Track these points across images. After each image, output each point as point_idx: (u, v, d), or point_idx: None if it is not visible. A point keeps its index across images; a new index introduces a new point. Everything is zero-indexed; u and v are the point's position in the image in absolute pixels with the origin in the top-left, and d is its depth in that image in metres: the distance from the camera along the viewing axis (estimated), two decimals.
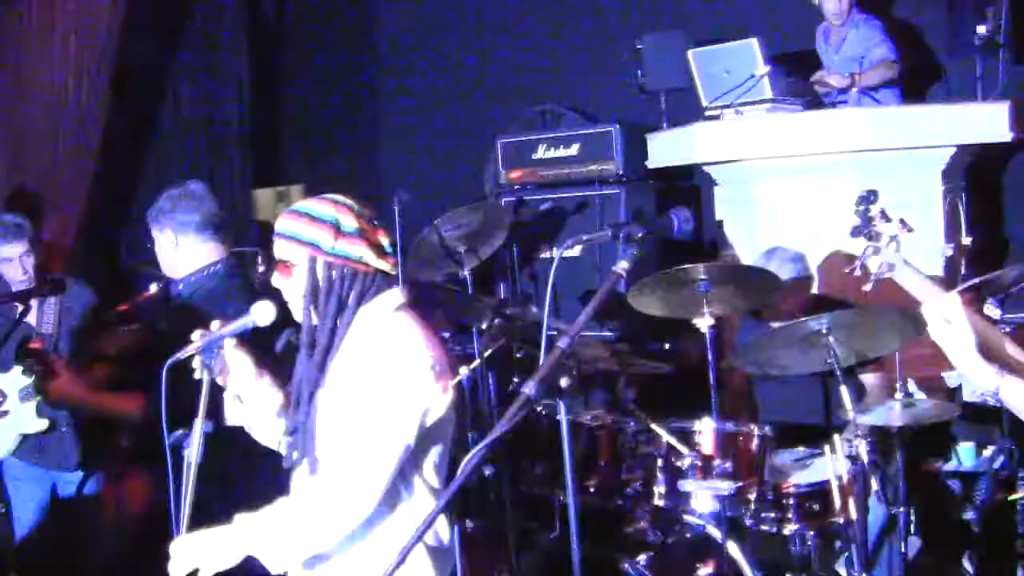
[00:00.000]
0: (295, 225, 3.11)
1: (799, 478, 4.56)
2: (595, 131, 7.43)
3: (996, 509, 5.32)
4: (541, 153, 7.60)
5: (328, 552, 3.05)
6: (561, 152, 7.50)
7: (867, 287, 3.23)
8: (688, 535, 4.61)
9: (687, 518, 4.58)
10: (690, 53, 6.95)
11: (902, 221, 3.59)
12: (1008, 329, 4.98)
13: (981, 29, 6.62)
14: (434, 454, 3.13)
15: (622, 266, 2.75)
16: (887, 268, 3.10)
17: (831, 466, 4.42)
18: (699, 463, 4.42)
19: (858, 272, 3.25)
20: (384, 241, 3.17)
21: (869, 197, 3.15)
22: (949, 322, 2.83)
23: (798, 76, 6.86)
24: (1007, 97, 6.29)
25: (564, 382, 2.63)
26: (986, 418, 5.62)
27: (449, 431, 3.16)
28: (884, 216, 3.13)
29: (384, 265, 3.15)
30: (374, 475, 2.97)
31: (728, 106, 6.60)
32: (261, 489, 3.11)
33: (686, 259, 4.57)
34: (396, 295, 3.16)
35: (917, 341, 5.16)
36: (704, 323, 4.39)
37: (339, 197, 3.18)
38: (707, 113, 6.79)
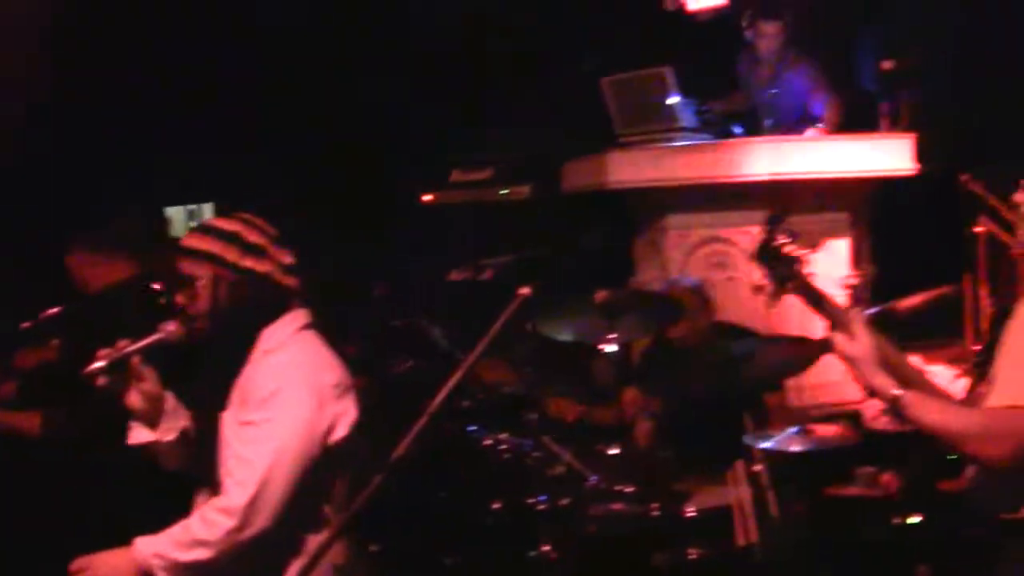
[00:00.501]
0: (200, 241, 3.10)
1: (701, 502, 4.61)
2: (509, 155, 7.47)
3: (895, 533, 5.41)
4: (456, 177, 7.62)
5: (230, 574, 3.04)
6: (475, 176, 7.54)
7: (773, 307, 3.29)
8: (593, 556, 4.64)
9: (592, 540, 4.61)
10: (603, 81, 7.02)
11: (811, 250, 3.64)
12: None
13: (886, 64, 6.78)
14: (339, 475, 3.12)
15: (525, 290, 2.77)
16: (793, 288, 3.15)
17: (732, 490, 4.48)
18: (604, 486, 4.46)
19: (765, 292, 3.30)
20: (289, 260, 3.17)
21: (777, 218, 3.19)
22: (852, 337, 2.89)
23: (709, 105, 6.95)
24: (911, 130, 6.46)
25: (467, 404, 2.64)
26: (887, 443, 5.71)
27: (355, 453, 3.15)
28: (791, 236, 3.18)
29: (289, 283, 3.15)
30: (275, 496, 2.95)
31: (640, 133, 6.68)
32: (161, 510, 3.09)
33: (594, 284, 4.62)
34: (300, 315, 3.15)
35: (820, 368, 5.29)
36: (610, 347, 4.44)
37: (246, 215, 3.18)
38: (620, 140, 6.87)
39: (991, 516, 2.94)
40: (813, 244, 3.52)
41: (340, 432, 3.06)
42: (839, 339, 2.91)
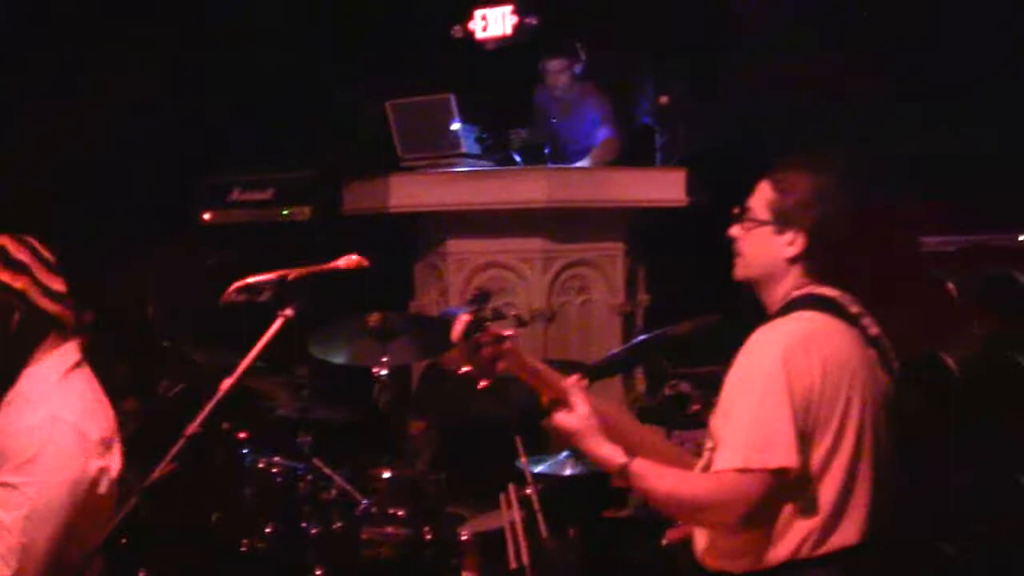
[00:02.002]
0: None
1: (474, 525, 4.64)
2: (291, 176, 7.40)
3: (665, 555, 5.54)
4: (236, 196, 7.50)
5: None
6: (256, 196, 7.43)
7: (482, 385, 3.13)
8: None
9: (365, 564, 4.58)
10: (388, 105, 7.03)
11: (517, 318, 3.62)
12: None
13: (663, 99, 6.99)
14: (98, 524, 3.00)
15: (289, 311, 2.75)
16: (505, 367, 3.02)
17: (505, 514, 4.51)
18: (375, 510, 4.45)
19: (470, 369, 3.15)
20: (58, 287, 3.02)
21: (483, 298, 3.08)
22: (570, 409, 2.82)
23: (493, 133, 7.03)
24: (684, 164, 6.68)
25: (227, 425, 2.59)
26: None
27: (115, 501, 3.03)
28: (497, 315, 3.08)
29: (50, 308, 2.99)
30: (36, 563, 2.83)
31: (422, 158, 6.72)
32: None
33: (371, 307, 4.61)
34: (68, 353, 3.03)
35: (596, 391, 5.38)
36: (383, 371, 4.44)
37: (23, 235, 3.04)
38: (402, 164, 6.89)
39: (708, 565, 2.88)
40: (523, 322, 3.40)
41: (103, 488, 2.94)
42: (555, 414, 2.84)
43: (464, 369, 2.97)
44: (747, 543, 2.75)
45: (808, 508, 2.71)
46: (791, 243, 2.85)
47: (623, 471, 2.73)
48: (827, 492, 2.71)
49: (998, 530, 4.91)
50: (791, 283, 2.88)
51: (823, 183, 2.87)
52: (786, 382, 2.66)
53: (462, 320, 2.87)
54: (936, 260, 5.53)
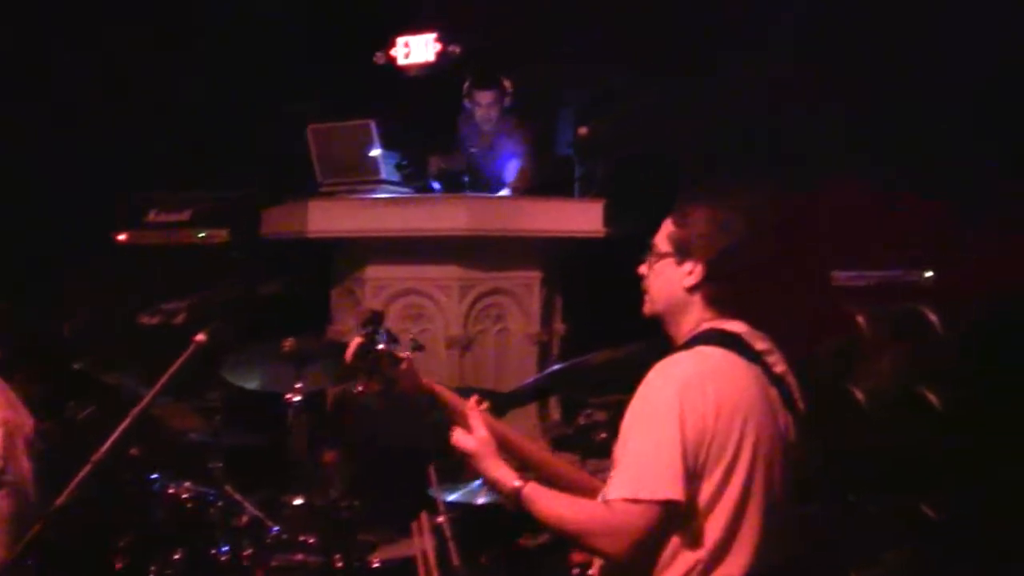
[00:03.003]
0: None
1: (385, 553, 4.62)
2: (209, 197, 7.35)
3: None
4: (153, 217, 7.43)
5: None
6: (173, 217, 7.37)
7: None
8: None
9: None
10: (308, 129, 7.02)
11: (413, 340, 3.61)
12: None
13: (582, 131, 7.06)
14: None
15: (201, 336, 2.74)
16: (402, 388, 3.06)
17: (417, 542, 4.51)
18: (286, 536, 4.42)
19: (368, 393, 3.14)
20: None
21: (375, 319, 3.09)
22: (468, 430, 2.90)
23: (413, 161, 7.05)
24: (602, 195, 6.75)
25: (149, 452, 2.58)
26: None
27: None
28: (392, 338, 3.09)
29: None
30: None
31: (341, 183, 6.71)
32: None
33: (285, 332, 4.60)
34: None
35: (509, 420, 5.40)
36: (296, 397, 4.42)
37: None
38: (322, 189, 6.88)
39: None
40: (419, 346, 3.39)
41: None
42: (456, 433, 2.92)
43: (358, 389, 3.03)
44: (636, 571, 2.76)
45: (695, 541, 2.74)
46: (690, 273, 2.89)
47: (515, 494, 2.77)
48: (714, 527, 2.74)
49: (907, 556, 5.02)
50: (696, 316, 2.92)
51: (722, 214, 2.90)
52: (679, 418, 2.69)
53: (355, 342, 2.92)
54: (847, 294, 5.63)
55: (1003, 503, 5.43)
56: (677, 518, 2.71)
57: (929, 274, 5.55)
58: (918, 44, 6.27)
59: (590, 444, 5.41)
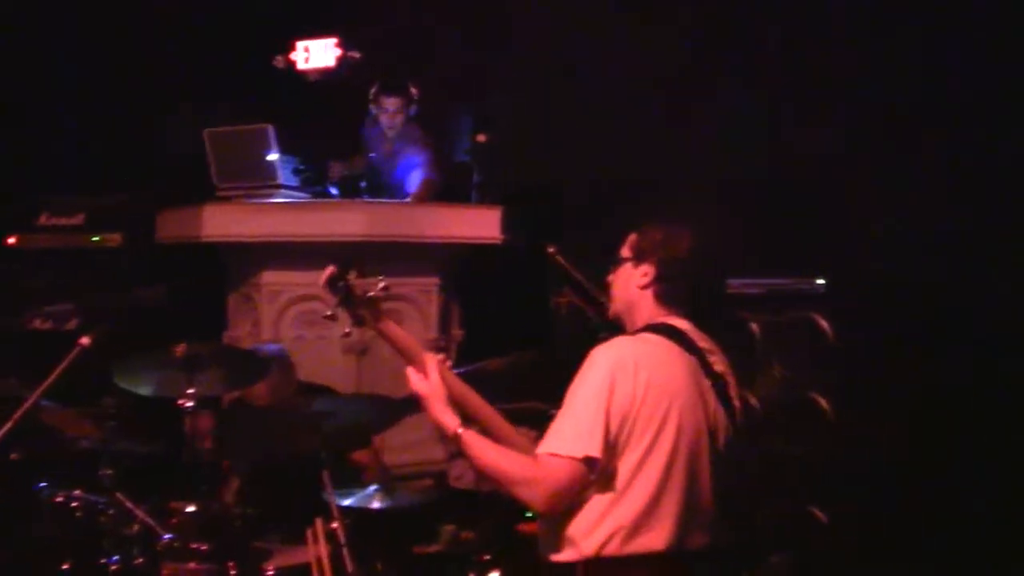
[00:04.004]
0: None
1: (280, 560, 4.59)
2: (102, 201, 7.24)
3: None
4: (44, 220, 7.30)
5: None
6: (65, 220, 7.24)
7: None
8: None
9: None
10: (205, 132, 6.95)
11: (384, 285, 3.71)
12: None
13: (480, 138, 7.08)
14: None
15: (85, 339, 2.71)
16: (367, 319, 3.30)
17: (312, 548, 4.48)
18: (178, 544, 4.37)
19: (345, 332, 3.52)
20: None
21: (346, 263, 3.34)
22: (425, 375, 3.16)
23: (311, 165, 7.01)
24: (500, 202, 6.78)
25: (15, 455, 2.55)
26: (468, 501, 5.88)
27: None
28: (361, 276, 3.34)
29: None
30: None
31: (238, 188, 6.65)
32: None
33: (179, 338, 4.55)
34: None
35: (405, 427, 5.41)
36: (188, 403, 4.38)
37: None
38: (218, 193, 6.81)
39: (543, 558, 3.18)
40: (404, 306, 3.54)
41: None
42: (412, 375, 3.19)
43: (327, 314, 3.38)
44: (568, 535, 3.07)
45: (618, 509, 3.04)
46: (645, 274, 3.28)
47: (455, 437, 3.09)
48: (636, 498, 3.04)
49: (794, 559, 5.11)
50: (648, 313, 3.29)
51: (674, 228, 3.32)
52: (609, 390, 3.02)
53: (328, 270, 3.24)
54: (740, 302, 5.71)
55: (891, 508, 5.56)
56: (601, 483, 3.03)
57: (821, 282, 5.65)
58: (790, 49, 6.42)
59: None
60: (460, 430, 3.10)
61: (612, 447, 3.01)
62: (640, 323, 3.28)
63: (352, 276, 3.29)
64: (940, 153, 5.94)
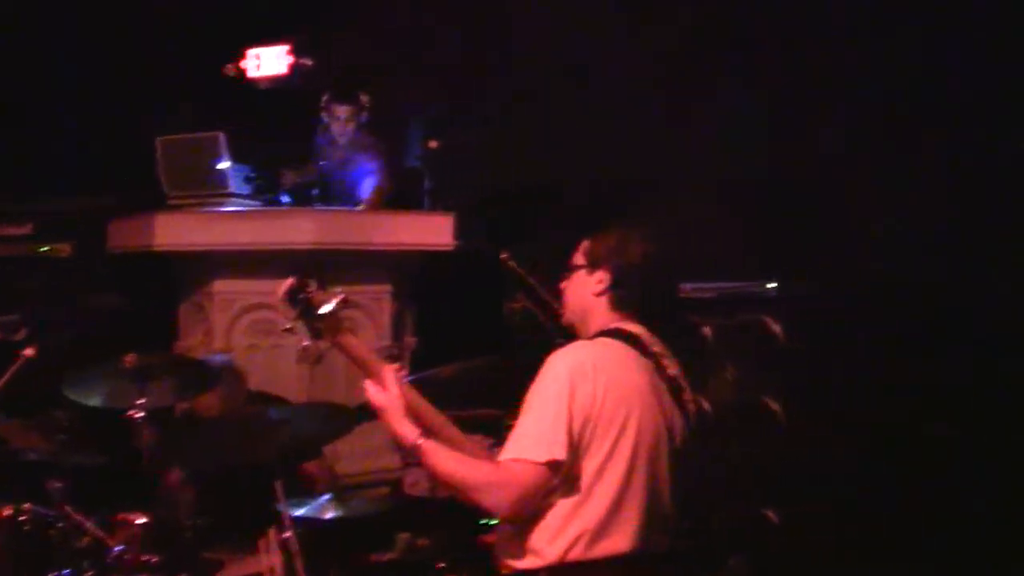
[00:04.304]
0: None
1: (232, 570, 4.57)
2: (52, 210, 7.18)
3: None
4: None
5: None
6: (14, 230, 7.18)
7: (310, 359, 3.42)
8: None
9: None
10: (157, 140, 6.90)
11: (343, 298, 3.70)
12: None
13: (432, 144, 7.09)
14: None
15: (30, 350, 2.69)
16: (325, 332, 3.28)
17: (264, 559, 4.47)
18: (128, 556, 4.33)
19: (303, 345, 3.46)
20: None
21: (305, 275, 3.31)
22: (383, 387, 3.16)
23: (263, 173, 6.99)
24: (452, 208, 6.78)
25: None
26: (424, 508, 5.87)
27: None
28: (321, 290, 3.31)
29: None
30: None
31: (189, 196, 6.62)
32: None
33: (129, 348, 4.52)
34: None
35: (359, 435, 5.39)
36: (139, 413, 4.35)
37: None
38: (170, 202, 6.77)
39: (504, 567, 3.17)
40: (355, 304, 3.55)
41: None
42: (369, 387, 3.19)
43: (286, 327, 3.31)
44: (530, 542, 3.09)
45: (581, 513, 3.05)
46: (599, 281, 3.30)
47: (416, 448, 3.08)
48: (599, 502, 3.06)
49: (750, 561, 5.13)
50: (602, 319, 3.31)
51: (628, 233, 3.34)
52: (568, 394, 3.03)
53: (287, 282, 3.19)
54: (692, 306, 5.74)
55: (844, 509, 5.60)
56: (565, 487, 3.04)
57: (772, 285, 5.69)
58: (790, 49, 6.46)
59: None
60: (420, 441, 3.08)
61: (575, 450, 3.03)
62: (594, 329, 3.30)
63: (312, 288, 3.25)
64: (940, 153, 5.98)
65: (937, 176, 5.95)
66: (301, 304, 3.23)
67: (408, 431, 3.10)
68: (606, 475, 3.07)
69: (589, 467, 3.06)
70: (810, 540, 5.49)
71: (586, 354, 3.16)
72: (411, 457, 3.16)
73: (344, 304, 3.35)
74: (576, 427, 3.03)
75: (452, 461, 3.08)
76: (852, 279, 5.93)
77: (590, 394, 3.05)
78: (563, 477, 3.03)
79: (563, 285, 3.43)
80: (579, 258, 3.38)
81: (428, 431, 3.17)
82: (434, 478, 3.21)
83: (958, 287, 5.70)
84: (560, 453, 2.99)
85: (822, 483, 5.63)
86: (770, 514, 5.53)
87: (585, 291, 3.34)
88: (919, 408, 5.68)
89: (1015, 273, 5.60)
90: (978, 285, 5.71)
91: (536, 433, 3.02)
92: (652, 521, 3.13)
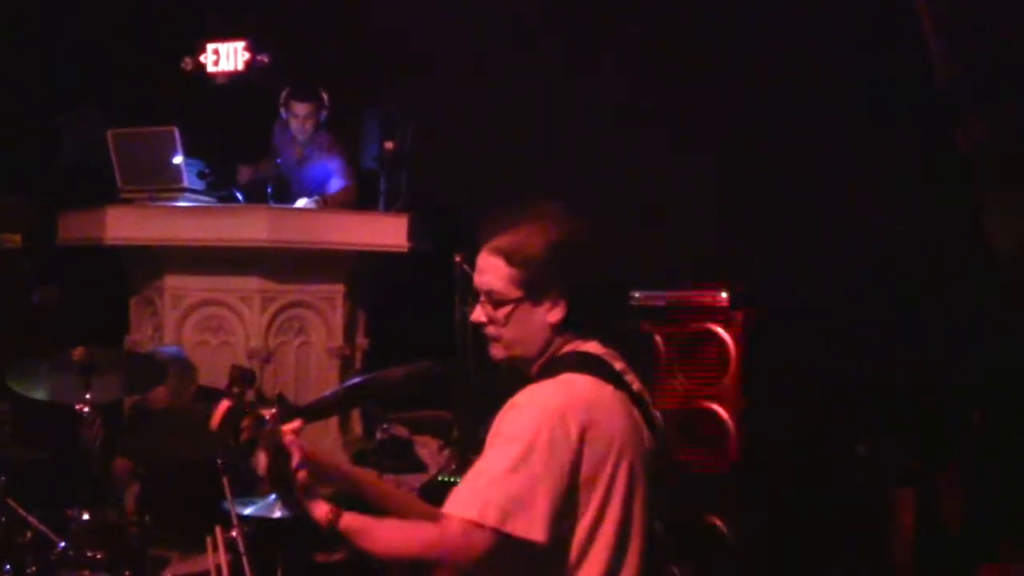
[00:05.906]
0: None
1: (178, 568, 4.55)
2: (1, 202, 7.11)
3: None
4: None
5: None
6: None
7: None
8: None
9: None
10: (109, 133, 6.84)
11: (280, 396, 3.45)
12: None
13: (388, 145, 7.07)
14: None
15: None
16: (262, 444, 2.85)
17: (211, 557, 4.44)
18: (72, 553, 4.30)
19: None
20: None
21: (244, 378, 2.78)
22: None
23: (217, 169, 6.94)
24: (407, 210, 6.78)
25: None
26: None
27: None
28: (260, 401, 2.93)
29: None
30: None
31: (142, 190, 6.57)
32: None
33: (77, 341, 4.48)
34: None
35: (310, 435, 5.36)
36: (86, 408, 4.32)
37: None
38: (122, 195, 6.71)
39: None
40: (286, 405, 3.15)
41: None
42: (263, 466, 2.66)
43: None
44: None
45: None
46: (552, 308, 2.74)
47: (336, 529, 2.58)
48: (596, 562, 2.63)
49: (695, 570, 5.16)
50: (556, 344, 2.78)
51: (561, 240, 2.74)
52: (551, 452, 2.55)
53: (222, 406, 2.65)
54: (644, 314, 5.76)
55: (789, 517, 5.65)
56: (556, 558, 2.60)
57: (723, 295, 5.73)
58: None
59: (387, 459, 5.45)
60: (336, 515, 2.57)
61: (556, 522, 2.54)
62: (543, 355, 2.78)
63: (248, 400, 2.72)
64: (939, 152, 6.03)
65: (893, 186, 6.03)
66: (237, 428, 2.64)
67: (316, 505, 2.60)
68: (599, 534, 2.62)
69: (580, 530, 2.61)
70: (755, 548, 5.54)
71: (565, 403, 2.62)
72: (331, 536, 2.58)
73: (284, 405, 3.06)
74: (561, 496, 2.55)
75: (381, 535, 2.58)
76: (805, 288, 5.99)
77: (571, 451, 2.57)
78: (551, 543, 2.54)
79: (479, 317, 2.81)
80: (508, 289, 2.75)
81: (340, 482, 2.76)
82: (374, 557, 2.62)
83: (955, 287, 5.77)
84: (539, 533, 2.51)
85: (769, 491, 5.69)
86: (717, 521, 5.58)
87: (537, 325, 2.76)
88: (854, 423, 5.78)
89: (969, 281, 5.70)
90: (976, 284, 5.79)
91: (510, 496, 2.50)
92: (649, 566, 2.71)
